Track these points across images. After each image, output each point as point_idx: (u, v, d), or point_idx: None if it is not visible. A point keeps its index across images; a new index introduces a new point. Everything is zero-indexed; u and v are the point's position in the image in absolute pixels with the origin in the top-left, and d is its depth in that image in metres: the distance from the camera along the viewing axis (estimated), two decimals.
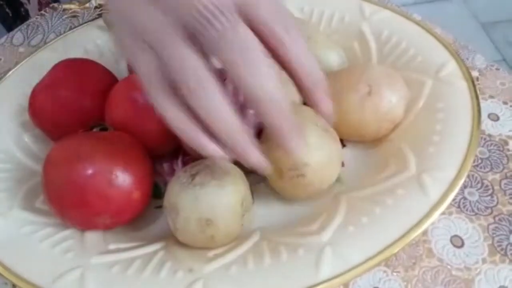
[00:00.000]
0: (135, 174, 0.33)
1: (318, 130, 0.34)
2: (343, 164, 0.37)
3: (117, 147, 0.34)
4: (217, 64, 0.25)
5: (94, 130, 0.34)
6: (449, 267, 0.33)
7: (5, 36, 0.55)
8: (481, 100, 0.37)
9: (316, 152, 0.33)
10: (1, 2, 0.68)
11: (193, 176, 0.32)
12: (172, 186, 0.33)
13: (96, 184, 0.32)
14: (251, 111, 0.36)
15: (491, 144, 0.40)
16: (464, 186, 0.37)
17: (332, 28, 0.46)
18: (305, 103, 0.43)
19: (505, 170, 0.38)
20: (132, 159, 0.34)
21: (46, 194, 0.33)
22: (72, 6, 0.57)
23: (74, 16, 0.53)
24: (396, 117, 0.37)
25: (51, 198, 0.33)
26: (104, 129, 0.34)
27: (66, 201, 0.32)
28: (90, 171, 0.32)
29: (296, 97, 0.38)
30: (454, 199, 0.35)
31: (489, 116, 0.42)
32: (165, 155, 0.41)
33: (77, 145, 0.33)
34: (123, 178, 0.32)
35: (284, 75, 0.40)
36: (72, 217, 0.33)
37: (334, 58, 0.41)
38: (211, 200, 0.31)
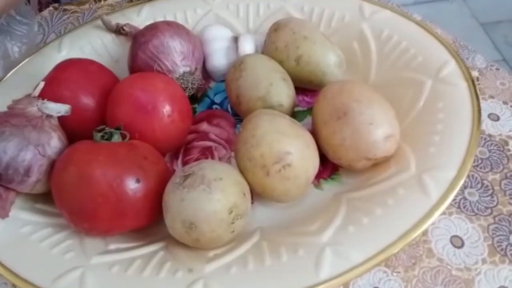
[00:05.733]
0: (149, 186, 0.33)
1: (287, 120, 0.35)
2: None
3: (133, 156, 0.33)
4: None
5: (99, 134, 0.34)
6: (449, 267, 0.33)
7: None
8: (481, 100, 0.37)
9: (294, 140, 0.33)
10: None
11: (185, 177, 0.31)
12: (168, 183, 0.32)
13: (111, 192, 0.32)
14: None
15: (491, 144, 0.40)
16: (464, 186, 0.37)
17: (332, 28, 0.46)
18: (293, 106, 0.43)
19: (505, 170, 0.38)
20: (147, 169, 0.33)
21: (56, 199, 0.33)
22: (72, 6, 0.57)
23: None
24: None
25: (61, 203, 0.33)
26: (106, 132, 0.34)
27: (78, 208, 0.32)
28: (105, 178, 0.32)
29: (284, 100, 0.38)
30: (454, 199, 0.35)
31: (489, 116, 0.42)
32: (166, 155, 0.41)
33: (93, 152, 0.33)
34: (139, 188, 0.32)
35: (285, 75, 0.40)
36: (83, 224, 0.33)
37: (331, 58, 0.41)
38: (196, 205, 0.30)
